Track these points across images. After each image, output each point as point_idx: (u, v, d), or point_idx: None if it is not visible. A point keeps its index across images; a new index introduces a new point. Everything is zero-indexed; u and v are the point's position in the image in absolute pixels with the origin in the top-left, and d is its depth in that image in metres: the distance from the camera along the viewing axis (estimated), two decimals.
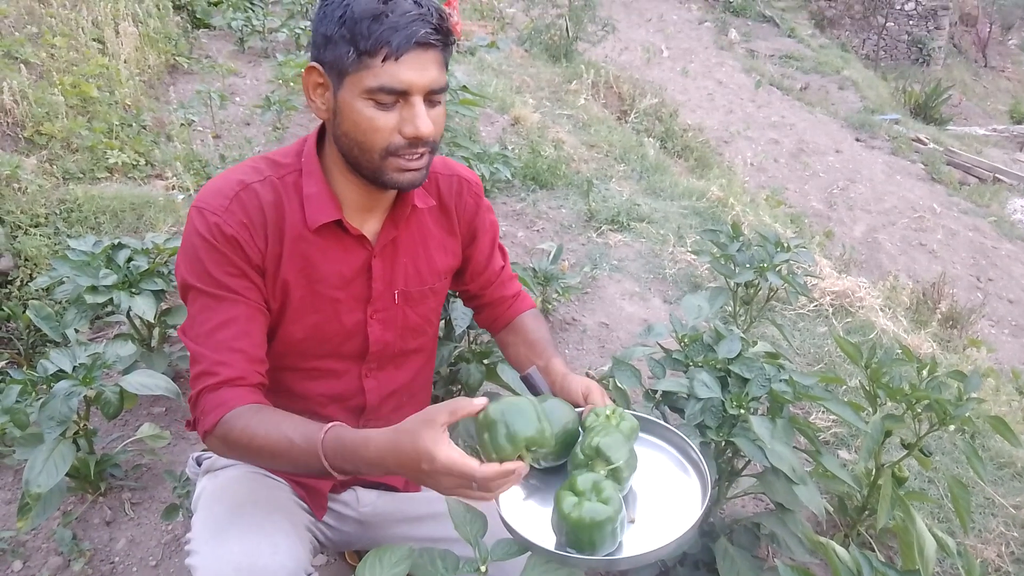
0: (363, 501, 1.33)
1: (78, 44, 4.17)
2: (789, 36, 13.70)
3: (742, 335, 1.46)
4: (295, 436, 0.97)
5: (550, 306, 2.91)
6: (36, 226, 2.84)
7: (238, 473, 1.22)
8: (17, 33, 3.97)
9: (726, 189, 4.85)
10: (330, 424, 0.96)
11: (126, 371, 1.73)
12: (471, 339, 2.04)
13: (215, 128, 4.22)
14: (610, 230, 3.80)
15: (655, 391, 1.43)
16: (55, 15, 4.27)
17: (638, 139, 6.14)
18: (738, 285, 2.39)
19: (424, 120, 1.01)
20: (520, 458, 0.92)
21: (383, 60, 0.97)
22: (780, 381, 1.34)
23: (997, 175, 9.80)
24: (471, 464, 0.87)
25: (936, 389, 1.53)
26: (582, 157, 4.92)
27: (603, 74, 7.85)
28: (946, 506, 2.09)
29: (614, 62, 9.69)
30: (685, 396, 1.36)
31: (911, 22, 15.31)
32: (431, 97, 1.03)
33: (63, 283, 1.97)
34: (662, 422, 1.19)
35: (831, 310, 3.26)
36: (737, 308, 2.56)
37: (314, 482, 1.26)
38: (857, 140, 9.76)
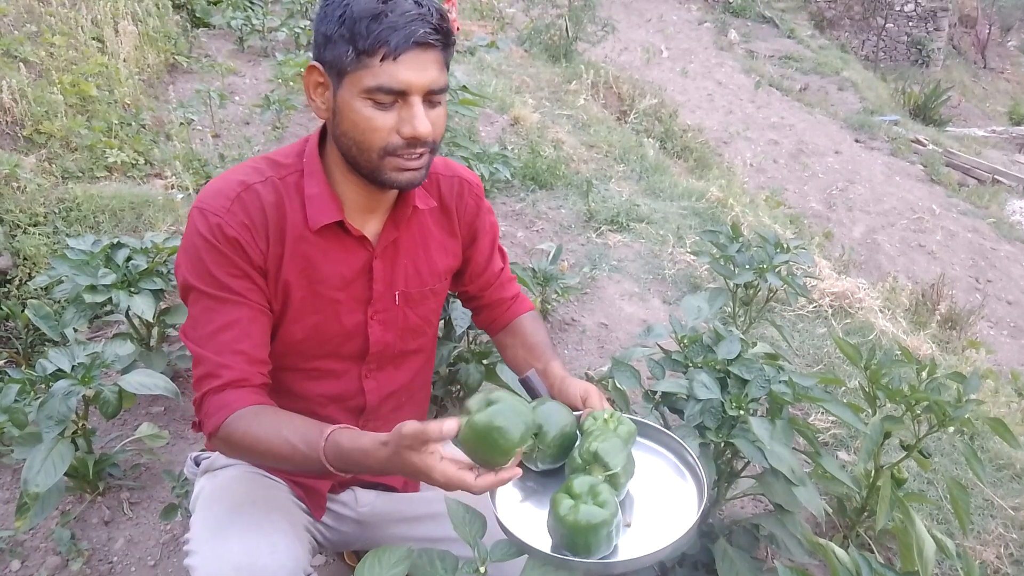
0: (362, 501, 1.33)
1: (77, 43, 4.17)
2: (789, 37, 13.70)
3: (741, 336, 1.46)
4: (296, 440, 0.98)
5: (549, 306, 2.90)
6: (35, 225, 2.84)
7: (236, 473, 1.22)
8: (16, 32, 3.96)
9: (725, 190, 4.85)
10: (329, 430, 0.96)
11: (125, 370, 1.73)
12: (470, 339, 2.03)
13: (214, 127, 4.21)
14: (609, 230, 3.80)
15: (654, 392, 1.43)
16: (54, 14, 4.26)
17: (637, 139, 6.13)
18: (737, 286, 2.39)
19: (422, 121, 1.01)
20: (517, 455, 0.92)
21: (381, 60, 0.97)
22: (779, 382, 1.34)
23: (996, 176, 9.81)
24: (467, 479, 0.89)
25: (935, 390, 1.53)
26: (581, 157, 4.92)
27: (603, 74, 7.84)
28: (945, 507, 2.09)
29: (614, 62, 9.68)
30: (684, 397, 1.36)
31: (910, 23, 15.32)
32: (431, 97, 1.03)
33: (62, 282, 1.97)
34: (660, 426, 1.19)
35: (830, 311, 3.26)
36: (736, 309, 2.56)
37: (312, 482, 1.26)
38: (856, 141, 9.76)
